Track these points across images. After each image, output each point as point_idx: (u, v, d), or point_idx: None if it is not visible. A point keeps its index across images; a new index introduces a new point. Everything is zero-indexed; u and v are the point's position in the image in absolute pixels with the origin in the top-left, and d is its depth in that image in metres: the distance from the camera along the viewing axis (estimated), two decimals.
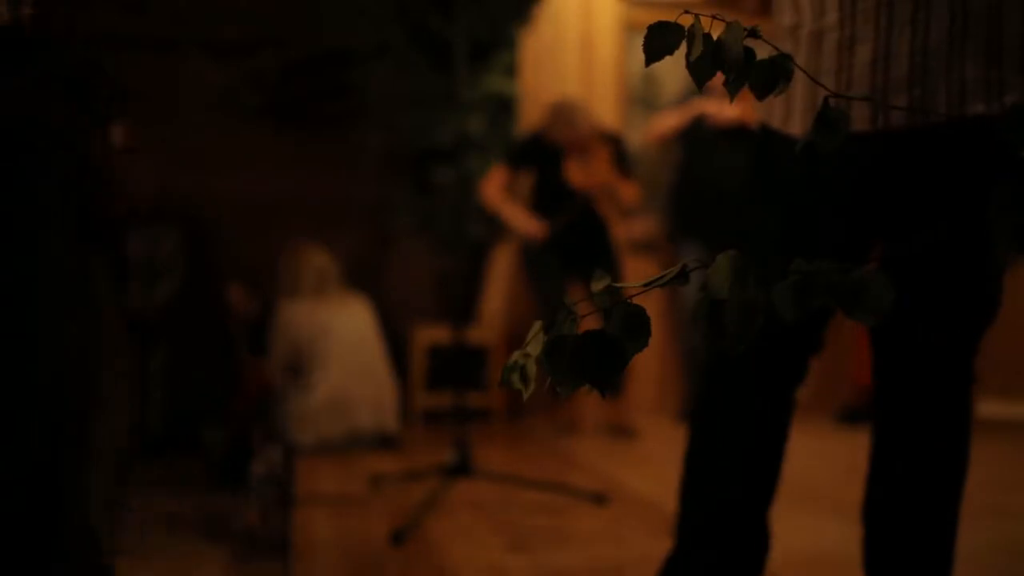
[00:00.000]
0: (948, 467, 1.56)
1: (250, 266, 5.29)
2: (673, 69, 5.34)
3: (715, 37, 0.77)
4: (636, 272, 5.00)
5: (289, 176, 5.42)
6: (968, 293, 1.51)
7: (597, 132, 4.66)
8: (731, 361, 1.60)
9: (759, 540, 1.63)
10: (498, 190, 4.65)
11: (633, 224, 5.21)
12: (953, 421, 1.56)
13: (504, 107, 5.35)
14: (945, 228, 1.44)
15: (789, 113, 1.52)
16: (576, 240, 4.62)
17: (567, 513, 2.96)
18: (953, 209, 1.45)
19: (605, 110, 5.37)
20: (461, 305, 4.24)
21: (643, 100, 5.48)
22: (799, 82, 1.48)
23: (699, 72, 0.77)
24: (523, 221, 4.59)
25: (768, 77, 0.74)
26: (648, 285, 0.68)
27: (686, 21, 0.78)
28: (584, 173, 4.58)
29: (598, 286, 0.70)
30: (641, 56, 0.78)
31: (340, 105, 5.58)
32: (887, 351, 1.58)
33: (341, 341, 4.40)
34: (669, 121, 4.92)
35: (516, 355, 0.69)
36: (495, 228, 5.47)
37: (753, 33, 0.75)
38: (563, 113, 4.58)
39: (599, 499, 3.04)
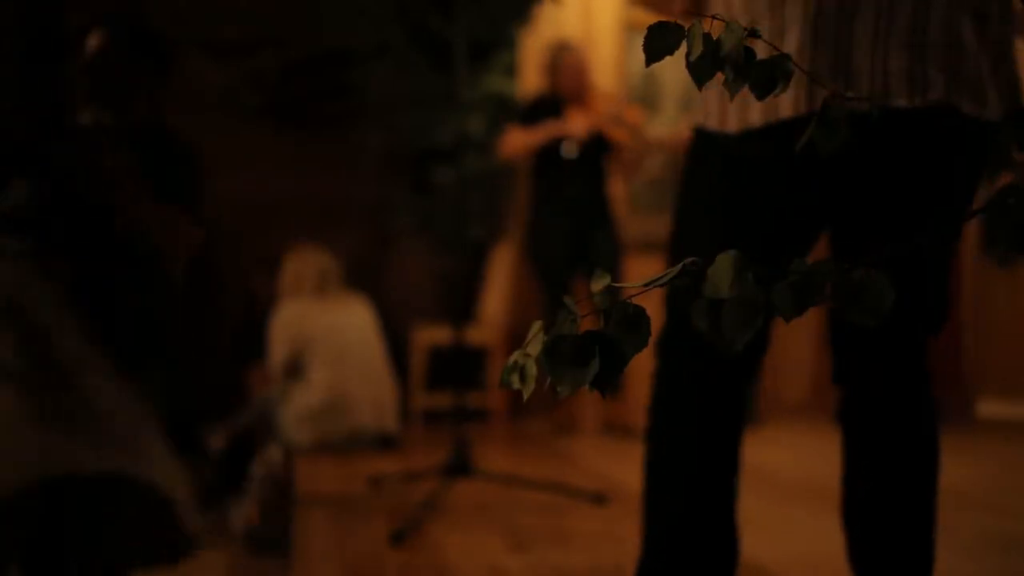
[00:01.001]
0: (920, 461, 1.56)
1: (246, 267, 5.29)
2: (674, 69, 5.34)
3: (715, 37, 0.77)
4: (647, 272, 5.00)
5: (289, 176, 5.42)
6: (929, 293, 1.51)
7: (594, 86, 4.82)
8: (683, 365, 1.60)
9: (727, 542, 1.62)
10: (516, 139, 4.67)
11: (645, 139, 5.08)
12: (919, 417, 1.55)
13: (504, 107, 5.35)
14: (934, 231, 1.44)
15: (724, 112, 1.51)
16: (581, 234, 4.63)
17: (567, 513, 2.96)
18: (907, 205, 1.45)
19: None
20: (461, 305, 4.24)
21: (643, 100, 5.48)
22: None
23: (699, 72, 0.77)
24: (558, 126, 4.59)
25: (768, 76, 0.74)
26: (648, 285, 0.68)
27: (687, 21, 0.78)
28: (585, 116, 4.63)
29: (597, 285, 0.70)
30: (641, 56, 0.78)
31: (340, 105, 5.58)
32: (848, 351, 1.58)
33: (341, 341, 4.40)
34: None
35: (516, 355, 0.69)
36: (495, 228, 5.48)
37: (753, 33, 0.75)
38: (561, 51, 4.75)
39: (599, 499, 3.04)
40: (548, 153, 4.63)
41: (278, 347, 4.42)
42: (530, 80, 5.38)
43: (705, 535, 1.60)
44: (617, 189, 5.04)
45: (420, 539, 2.64)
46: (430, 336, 5.22)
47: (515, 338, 5.34)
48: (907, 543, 1.56)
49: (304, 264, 4.63)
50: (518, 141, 4.64)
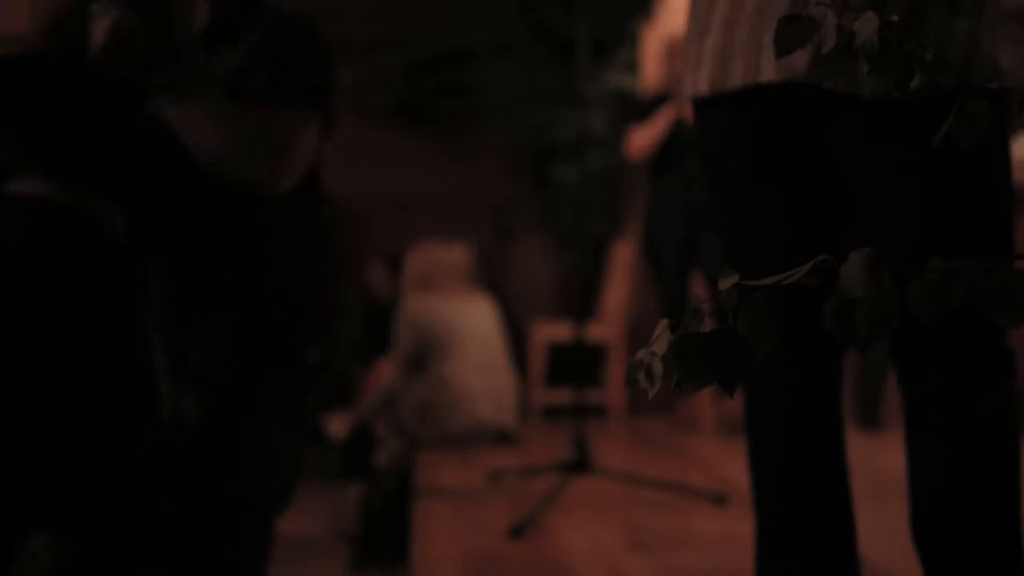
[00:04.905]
0: (1000, 459, 1.45)
1: (367, 262, 5.39)
2: None
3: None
4: None
5: (410, 174, 5.51)
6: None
7: None
8: (774, 361, 1.54)
9: (836, 539, 1.56)
10: (640, 137, 4.60)
11: None
12: (1000, 411, 1.44)
13: (625, 103, 5.33)
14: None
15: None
16: (698, 231, 4.57)
17: (687, 513, 2.92)
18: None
19: None
20: (581, 301, 4.24)
21: None
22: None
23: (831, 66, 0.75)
24: (672, 108, 4.50)
25: (906, 68, 0.71)
26: (776, 283, 0.66)
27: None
28: None
29: (724, 282, 0.69)
30: None
31: (461, 103, 5.64)
32: (915, 351, 1.47)
33: (466, 338, 4.43)
34: None
35: (642, 352, 0.69)
36: (615, 224, 5.45)
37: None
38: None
39: (719, 499, 3.00)
40: (669, 150, 4.57)
41: (404, 340, 4.48)
42: (651, 75, 5.34)
43: (808, 529, 1.55)
44: None
45: (539, 534, 2.64)
46: (550, 332, 5.23)
47: (634, 334, 5.31)
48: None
49: (436, 260, 4.68)
50: (642, 139, 4.59)
